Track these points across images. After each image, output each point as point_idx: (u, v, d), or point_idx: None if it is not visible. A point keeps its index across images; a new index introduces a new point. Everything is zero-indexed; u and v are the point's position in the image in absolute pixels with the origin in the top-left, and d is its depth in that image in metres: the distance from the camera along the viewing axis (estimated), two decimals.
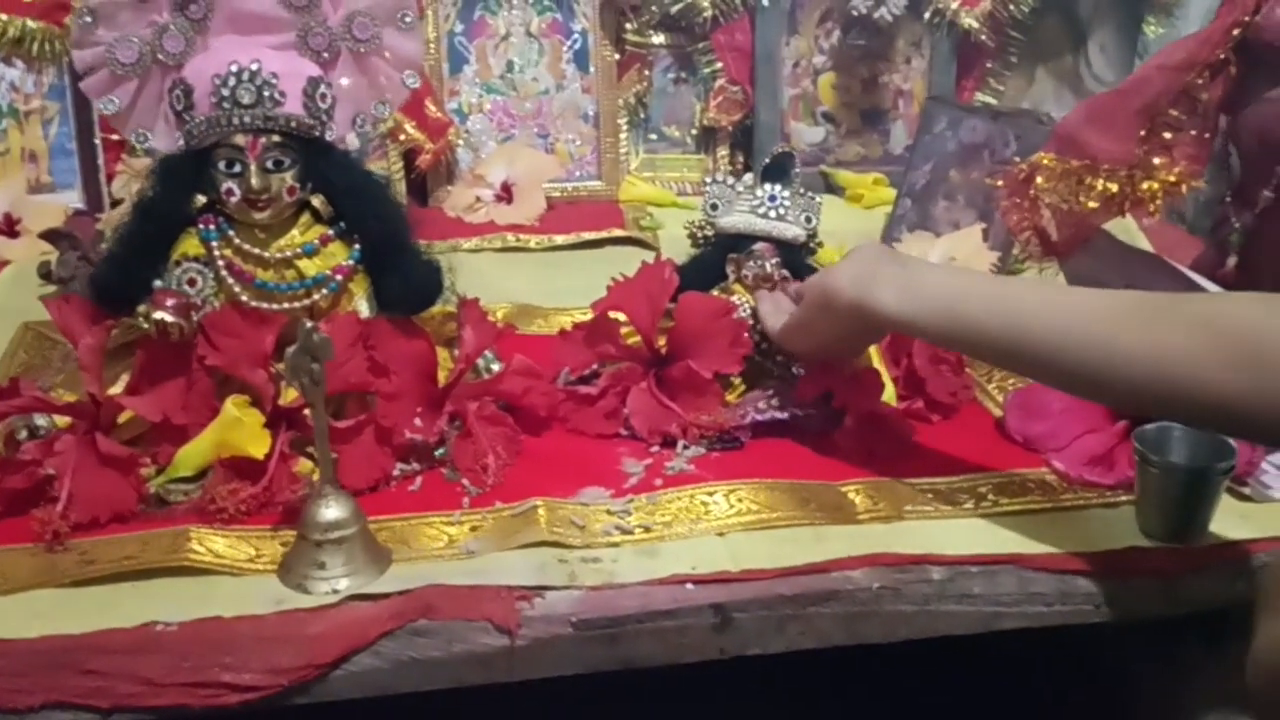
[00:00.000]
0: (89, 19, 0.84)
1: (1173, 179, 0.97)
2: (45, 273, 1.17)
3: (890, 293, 0.79)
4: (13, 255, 1.25)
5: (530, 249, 1.34)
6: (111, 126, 1.31)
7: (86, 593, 0.72)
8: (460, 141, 1.46)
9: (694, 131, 1.54)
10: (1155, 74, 0.99)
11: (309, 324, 0.71)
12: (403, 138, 1.40)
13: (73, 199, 1.35)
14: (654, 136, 1.54)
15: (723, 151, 1.52)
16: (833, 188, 1.50)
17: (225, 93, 0.81)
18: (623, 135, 1.51)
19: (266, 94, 0.82)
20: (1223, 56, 0.97)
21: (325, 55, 0.87)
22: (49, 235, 1.18)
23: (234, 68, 0.81)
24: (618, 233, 1.36)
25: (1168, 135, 0.98)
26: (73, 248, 1.15)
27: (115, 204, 1.33)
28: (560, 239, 1.35)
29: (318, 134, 0.84)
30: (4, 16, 1.32)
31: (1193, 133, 0.98)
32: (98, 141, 1.35)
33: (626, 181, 1.50)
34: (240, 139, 0.82)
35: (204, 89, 0.82)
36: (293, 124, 0.83)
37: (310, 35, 0.86)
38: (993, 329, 0.76)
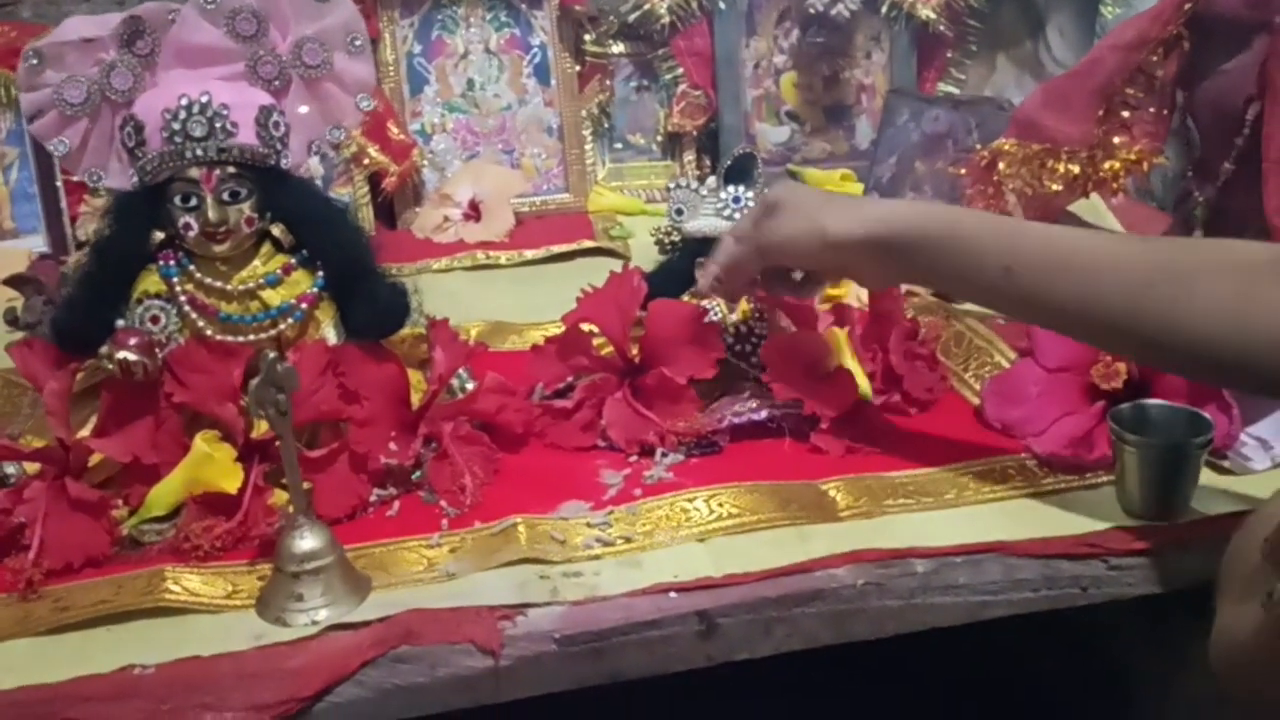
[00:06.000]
0: (35, 61, 0.84)
1: (1133, 157, 0.97)
2: (12, 319, 1.15)
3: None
4: None
5: (501, 265, 1.33)
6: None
7: (62, 640, 0.71)
8: (425, 162, 1.45)
9: (659, 138, 1.54)
10: (1108, 54, 1.00)
11: (271, 355, 0.70)
12: (367, 161, 1.40)
13: (37, 243, 1.34)
14: (619, 145, 1.54)
15: (689, 156, 1.52)
16: None
17: (176, 126, 0.81)
18: (588, 146, 1.51)
19: (219, 125, 0.81)
20: (1175, 32, 0.97)
21: (276, 83, 0.86)
22: (13, 281, 1.16)
23: (184, 101, 0.80)
24: (587, 244, 1.35)
25: (1125, 114, 0.98)
26: (38, 292, 1.14)
27: (80, 246, 1.32)
28: (530, 254, 1.34)
29: (273, 163, 0.84)
30: None
31: (1150, 110, 0.98)
32: (59, 184, 1.34)
33: (594, 192, 1.49)
34: (195, 172, 0.81)
35: (155, 124, 0.81)
36: (247, 154, 0.82)
37: (260, 64, 0.85)
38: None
